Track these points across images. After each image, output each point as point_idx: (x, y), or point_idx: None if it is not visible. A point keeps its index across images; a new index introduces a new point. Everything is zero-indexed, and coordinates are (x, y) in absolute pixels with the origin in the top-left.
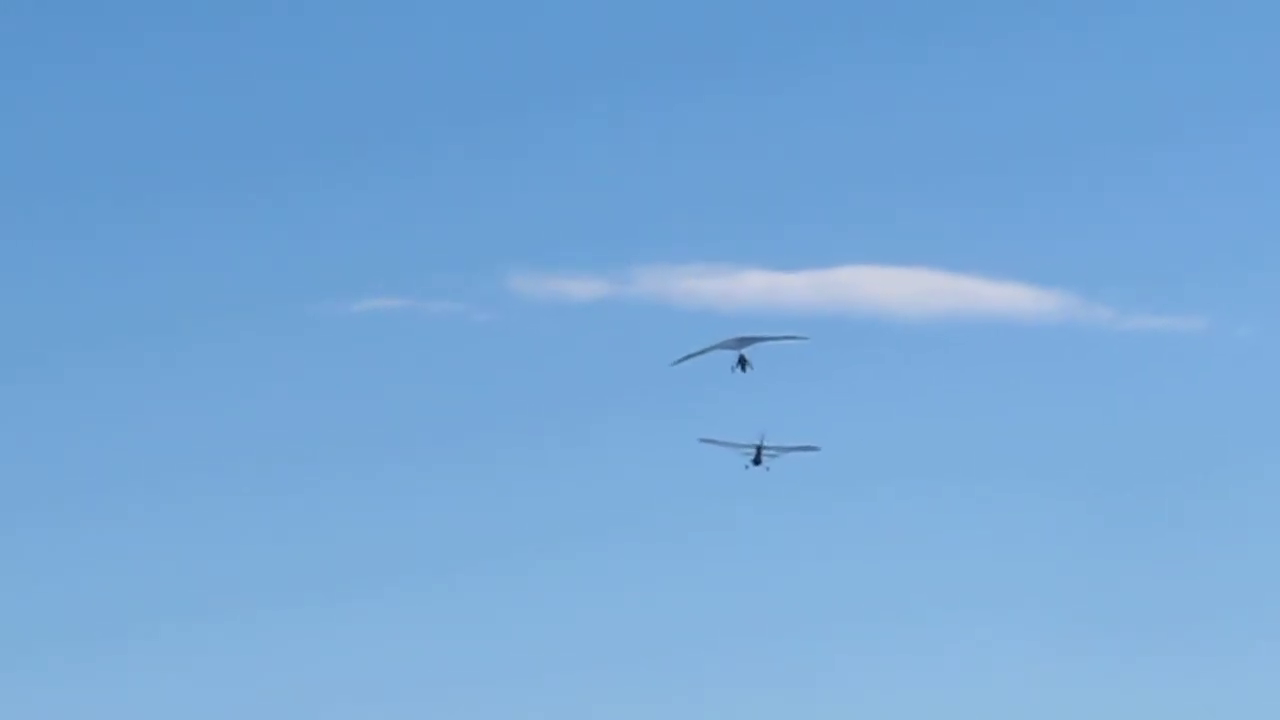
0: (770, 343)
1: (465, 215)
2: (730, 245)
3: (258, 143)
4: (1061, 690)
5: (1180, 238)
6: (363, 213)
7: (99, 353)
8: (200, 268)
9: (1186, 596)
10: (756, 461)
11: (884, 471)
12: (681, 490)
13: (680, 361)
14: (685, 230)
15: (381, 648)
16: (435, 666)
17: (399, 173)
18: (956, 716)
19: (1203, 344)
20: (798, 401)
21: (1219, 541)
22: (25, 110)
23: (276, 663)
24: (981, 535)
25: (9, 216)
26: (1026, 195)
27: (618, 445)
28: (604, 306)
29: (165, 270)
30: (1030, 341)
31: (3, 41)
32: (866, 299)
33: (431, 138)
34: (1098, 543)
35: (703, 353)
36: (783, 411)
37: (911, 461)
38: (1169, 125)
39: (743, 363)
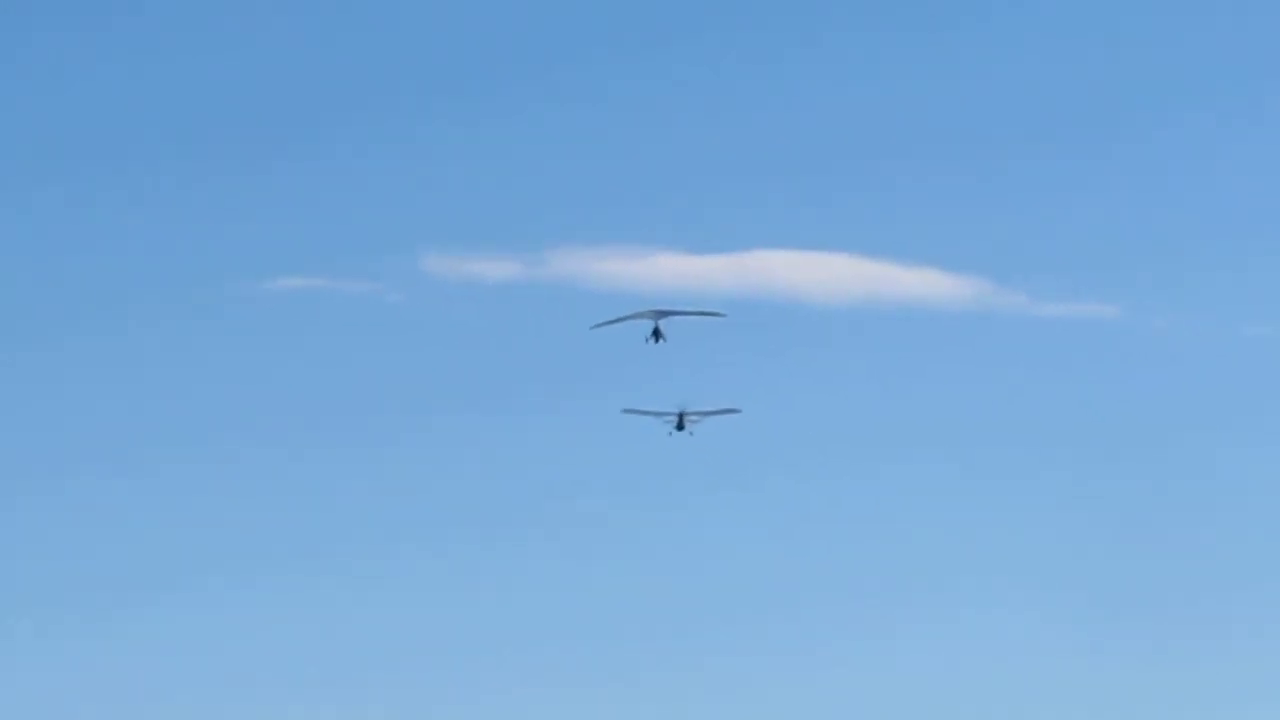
0: (686, 318)
1: (379, 196)
2: (643, 228)
3: (171, 123)
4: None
5: (1094, 226)
6: (277, 193)
7: (11, 335)
8: (114, 248)
9: (1100, 578)
10: (680, 427)
11: (799, 450)
12: (607, 461)
13: (598, 326)
14: (599, 213)
15: (291, 630)
16: (350, 650)
17: (313, 153)
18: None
19: (1116, 332)
20: (713, 384)
21: (1129, 525)
22: None
23: (163, 648)
24: (892, 516)
25: None
26: (941, 181)
27: (535, 422)
28: (517, 288)
29: (78, 251)
30: (943, 327)
31: None
32: (780, 283)
33: (345, 119)
34: (1019, 522)
35: (621, 320)
36: (698, 392)
37: (826, 442)
38: (1084, 115)
39: (657, 334)
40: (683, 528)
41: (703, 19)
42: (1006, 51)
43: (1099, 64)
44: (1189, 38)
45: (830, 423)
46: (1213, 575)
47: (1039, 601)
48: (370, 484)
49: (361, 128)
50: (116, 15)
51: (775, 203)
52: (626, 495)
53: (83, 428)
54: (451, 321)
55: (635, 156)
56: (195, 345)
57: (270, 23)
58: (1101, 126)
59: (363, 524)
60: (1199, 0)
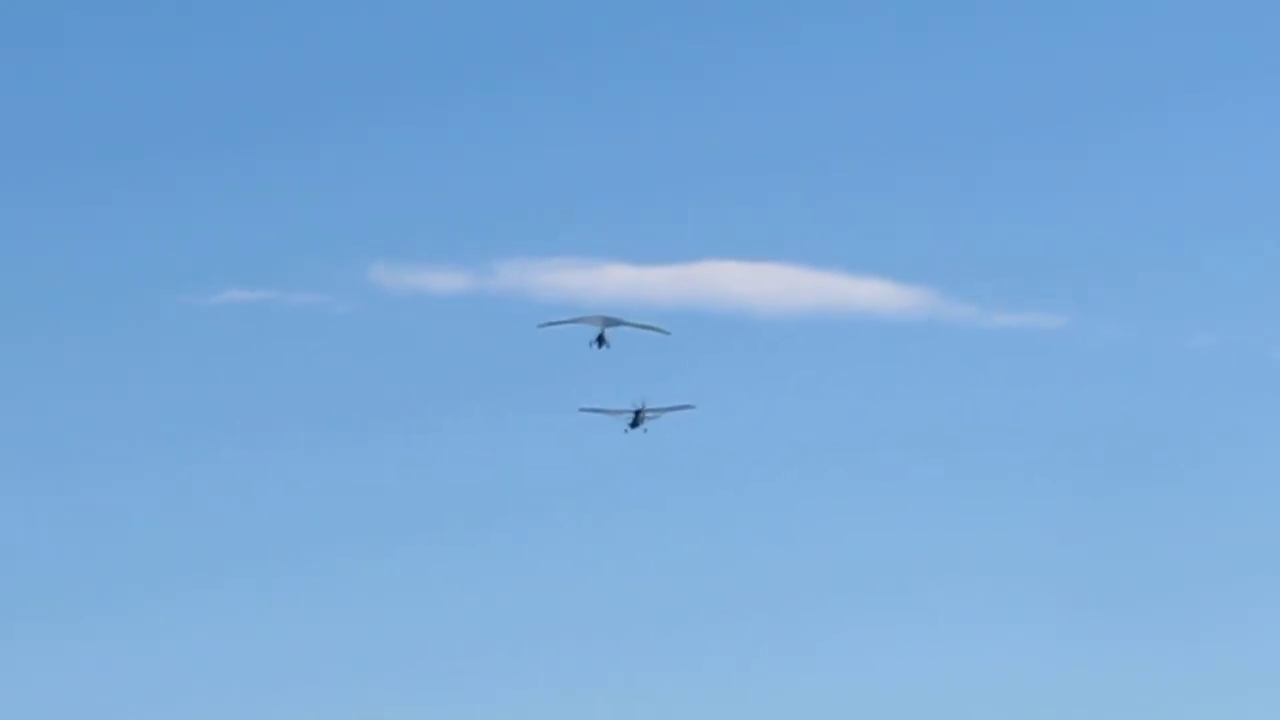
0: (633, 329)
1: (327, 207)
2: (592, 239)
3: (117, 134)
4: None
5: (1043, 236)
6: (223, 204)
7: None
8: (59, 259)
9: (1051, 582)
10: (635, 424)
11: (750, 453)
12: (562, 462)
13: (546, 325)
14: (547, 224)
15: (242, 641)
16: (299, 661)
17: (259, 164)
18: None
19: (1064, 342)
20: (662, 390)
21: (1079, 531)
22: None
23: (111, 659)
24: (846, 526)
25: None
26: (889, 191)
27: (485, 429)
28: (466, 299)
29: (22, 263)
30: (892, 338)
31: None
32: (728, 294)
33: (292, 129)
34: (968, 529)
35: (569, 322)
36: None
37: (776, 448)
38: (1031, 123)
39: (601, 340)
40: (638, 529)
41: (650, 30)
42: (954, 62)
43: (1045, 75)
44: (1136, 50)
45: (781, 430)
46: (1164, 579)
47: (988, 606)
48: (322, 495)
49: (308, 138)
50: (58, 24)
51: (723, 214)
52: (583, 496)
53: (25, 440)
54: (401, 333)
55: (584, 167)
56: (142, 359)
57: (215, 33)
58: (1049, 137)
59: (315, 536)
60: (1147, 11)
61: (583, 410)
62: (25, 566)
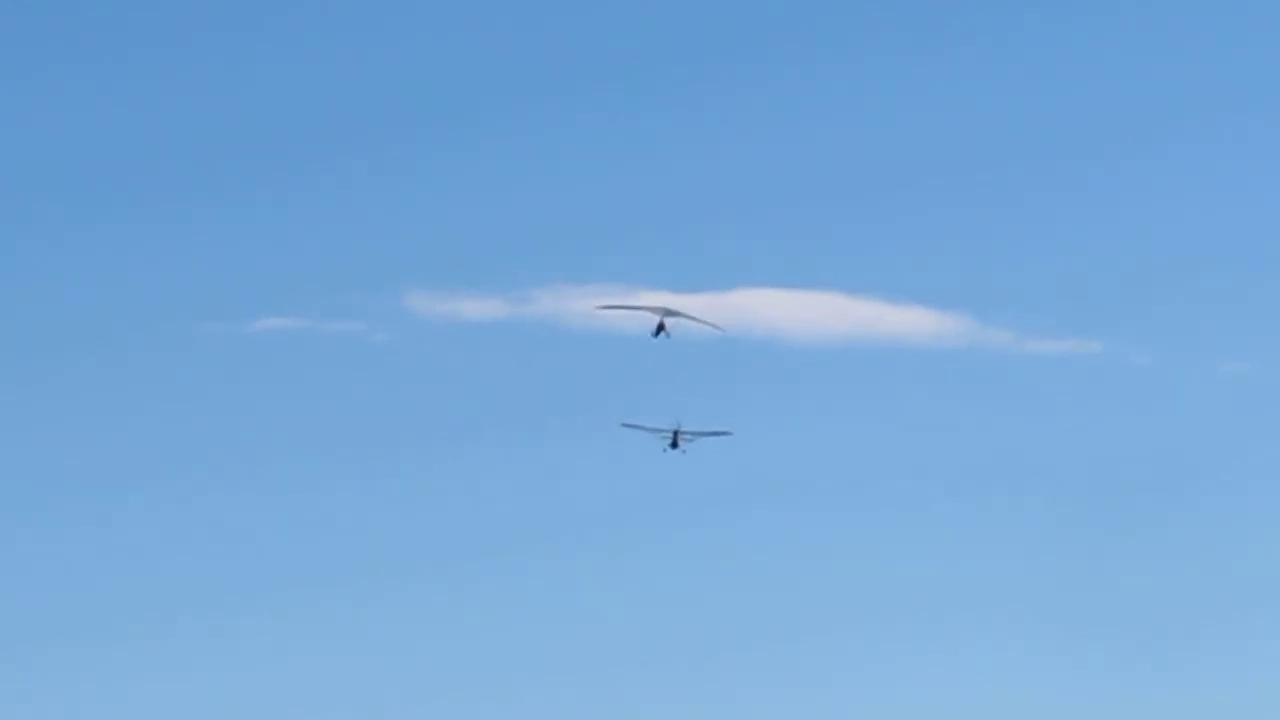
0: (690, 322)
1: (363, 235)
2: (628, 266)
3: (153, 160)
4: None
5: (1078, 262)
6: (260, 232)
7: None
8: (97, 286)
9: (1085, 613)
10: (674, 445)
11: (784, 492)
12: (601, 487)
13: (606, 308)
14: (583, 251)
15: (292, 667)
16: (355, 682)
17: (296, 192)
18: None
19: (1100, 369)
20: (700, 414)
21: (1113, 561)
22: None
23: (163, 682)
24: (882, 554)
25: None
26: (926, 218)
27: (523, 456)
28: (502, 327)
29: (61, 289)
30: (929, 365)
31: None
32: (765, 321)
33: (328, 157)
34: (1005, 557)
35: (630, 308)
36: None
37: (813, 476)
38: (1068, 151)
39: (661, 328)
40: (673, 555)
41: (685, 57)
42: (989, 88)
43: (1080, 100)
44: (1167, 75)
45: (817, 458)
46: (1197, 609)
47: (1025, 636)
48: (359, 522)
49: (344, 166)
50: (89, 47)
51: (760, 241)
52: (619, 522)
53: (62, 467)
54: (437, 360)
55: (620, 194)
56: (178, 387)
57: (249, 59)
58: (1084, 163)
59: (354, 563)
60: (1177, 37)
61: (625, 425)
62: (56, 595)
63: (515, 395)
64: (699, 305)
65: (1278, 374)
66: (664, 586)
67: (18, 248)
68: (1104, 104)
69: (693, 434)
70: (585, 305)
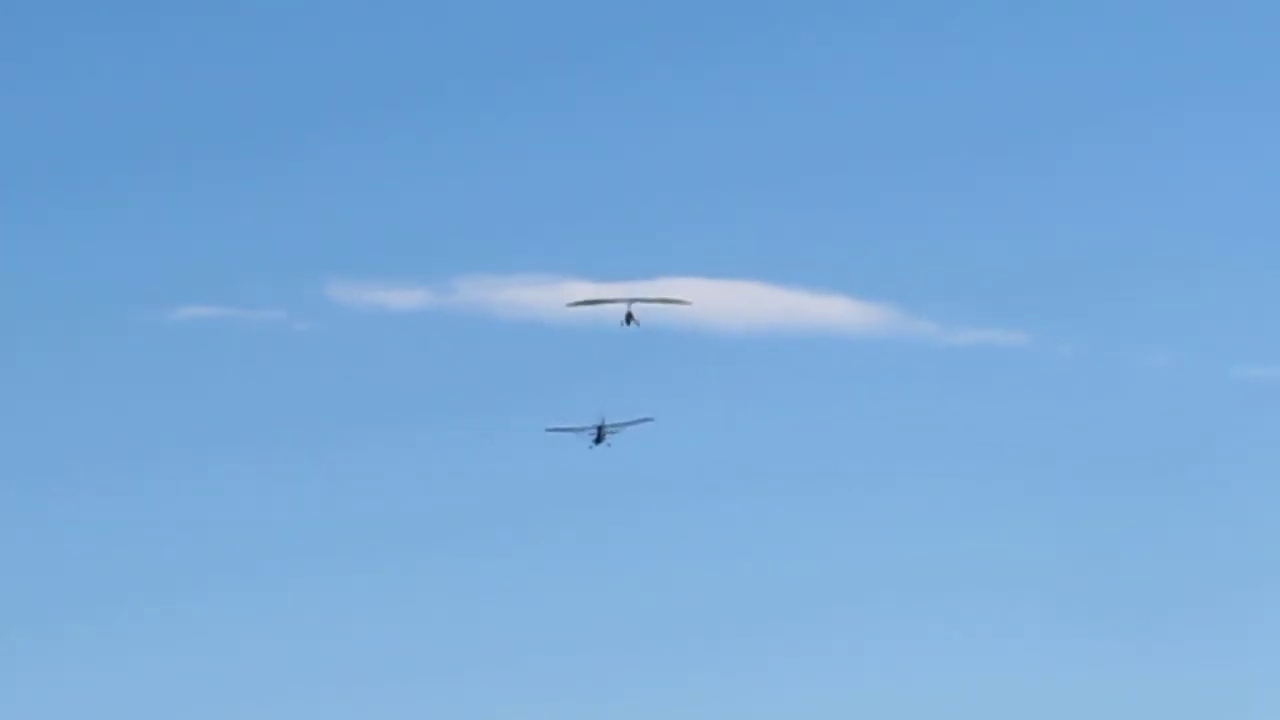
0: (655, 305)
1: (285, 224)
2: (552, 256)
3: (78, 148)
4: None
5: (1002, 254)
6: (182, 220)
7: None
8: (16, 275)
9: (1018, 594)
10: (599, 440)
11: (706, 483)
12: (526, 480)
13: (576, 305)
14: (506, 241)
15: (197, 655)
16: (257, 673)
17: (219, 180)
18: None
19: (1024, 359)
20: (621, 409)
21: (1039, 547)
22: None
23: (67, 677)
24: (804, 542)
25: None
26: (850, 208)
27: (446, 445)
28: (425, 316)
29: None
30: (853, 355)
31: None
32: (688, 310)
33: (252, 146)
34: (928, 544)
35: (599, 302)
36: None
37: (736, 465)
38: (994, 140)
39: (630, 317)
40: (602, 543)
41: (608, 46)
42: (915, 82)
43: (1005, 97)
44: (1096, 72)
45: (739, 447)
46: (1146, 595)
47: (936, 616)
48: (281, 512)
49: (266, 156)
50: (17, 37)
51: (682, 230)
52: (547, 510)
53: None
54: (360, 350)
55: (542, 184)
56: (102, 375)
57: (173, 48)
58: (1007, 157)
59: (277, 553)
60: (1103, 28)
61: (549, 430)
62: None
63: (438, 385)
64: (622, 294)
65: (1201, 365)
66: (591, 575)
67: None
68: (1026, 96)
69: (617, 426)
70: (509, 295)
